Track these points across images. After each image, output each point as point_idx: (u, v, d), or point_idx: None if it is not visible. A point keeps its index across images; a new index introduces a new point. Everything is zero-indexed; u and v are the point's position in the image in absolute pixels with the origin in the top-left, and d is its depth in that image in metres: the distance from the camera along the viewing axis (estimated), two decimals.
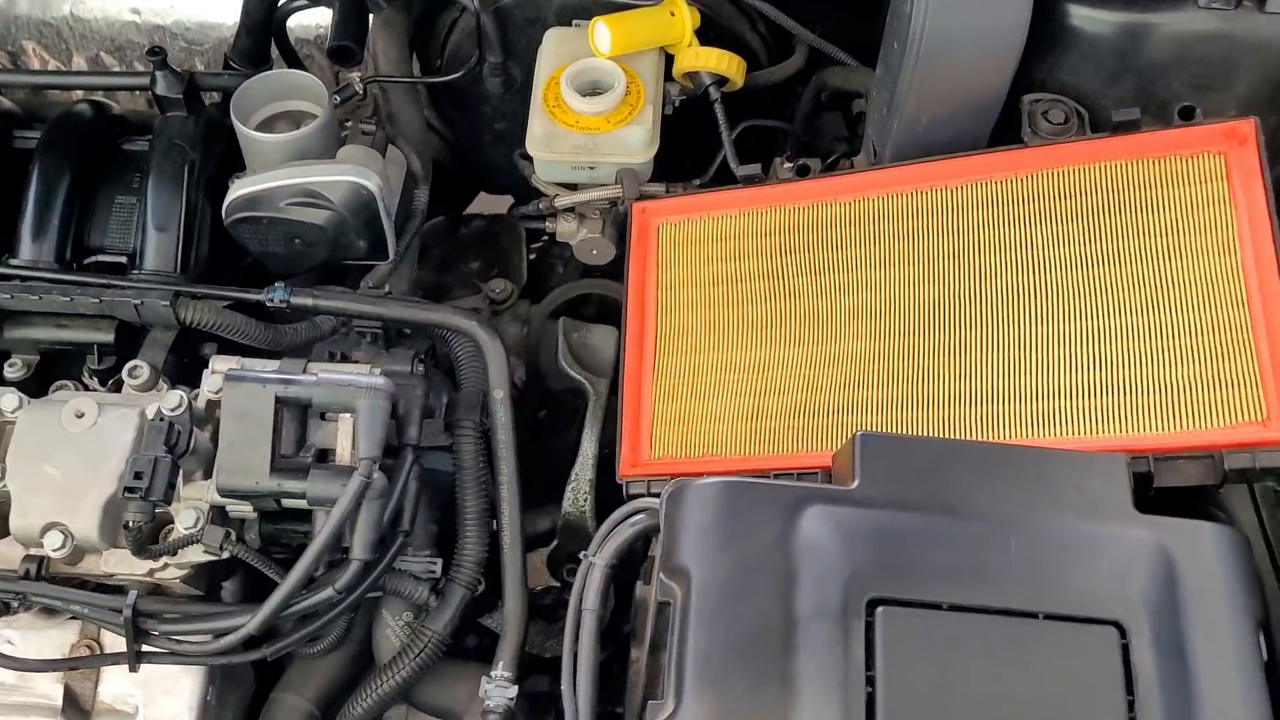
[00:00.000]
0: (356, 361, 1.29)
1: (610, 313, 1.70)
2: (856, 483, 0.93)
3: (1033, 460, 0.95)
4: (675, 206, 1.27)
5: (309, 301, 1.19)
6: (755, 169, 1.25)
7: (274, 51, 1.53)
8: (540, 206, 1.39)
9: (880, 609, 0.87)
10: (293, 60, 1.54)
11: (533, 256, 1.77)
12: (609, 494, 1.37)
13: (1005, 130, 1.21)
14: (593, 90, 1.35)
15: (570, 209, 1.38)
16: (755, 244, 1.23)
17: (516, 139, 1.54)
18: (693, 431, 1.17)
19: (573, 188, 1.39)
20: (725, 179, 1.45)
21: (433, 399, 1.28)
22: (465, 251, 1.99)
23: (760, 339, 1.19)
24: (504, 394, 1.18)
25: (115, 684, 1.11)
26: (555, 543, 1.36)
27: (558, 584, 1.34)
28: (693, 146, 1.50)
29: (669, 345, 1.22)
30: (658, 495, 1.12)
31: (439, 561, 1.17)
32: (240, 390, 1.00)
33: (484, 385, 1.21)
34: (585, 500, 1.35)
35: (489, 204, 1.97)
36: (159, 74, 1.30)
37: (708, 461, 1.15)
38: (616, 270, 1.55)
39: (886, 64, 1.22)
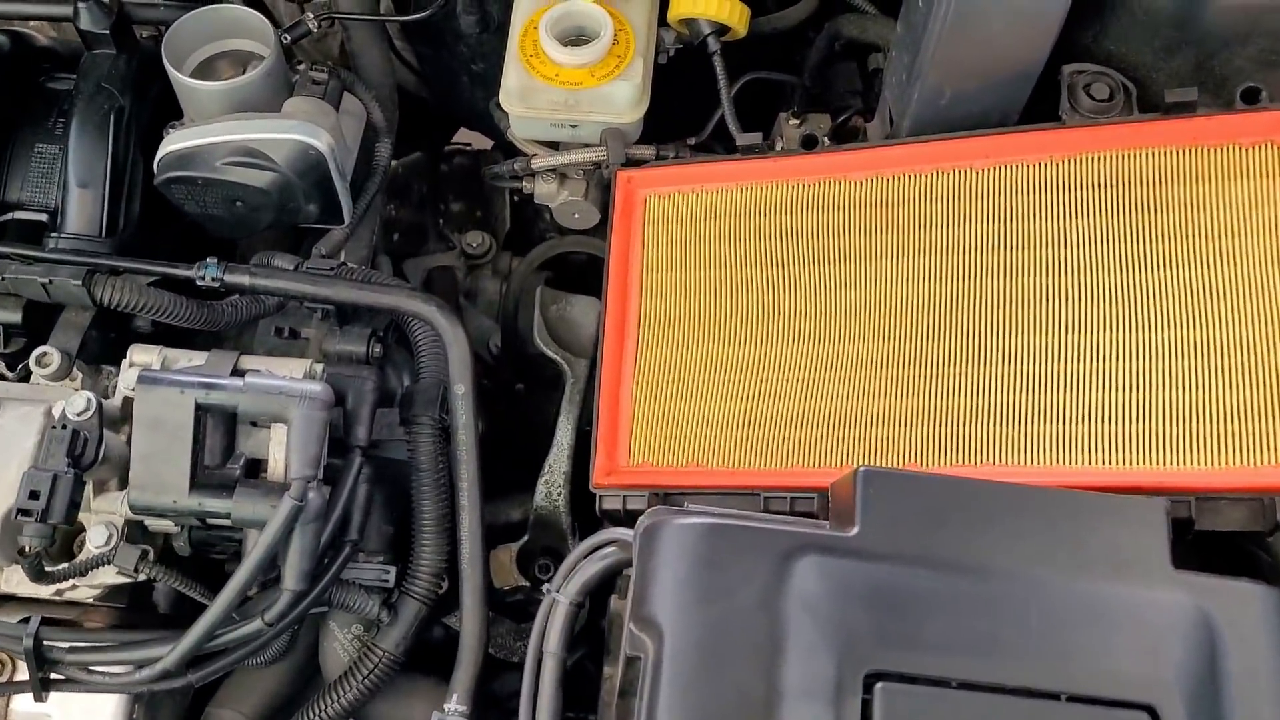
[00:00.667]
0: (305, 339, 1.17)
1: (598, 275, 1.57)
2: (857, 529, 0.82)
3: (1059, 506, 0.82)
4: (665, 177, 1.13)
5: (245, 280, 1.05)
6: (756, 138, 1.10)
7: None
8: (516, 167, 1.25)
9: (879, 685, 0.76)
10: None
11: (516, 199, 1.63)
12: (585, 486, 1.25)
13: (1039, 103, 1.06)
14: (576, 38, 1.19)
15: (550, 170, 1.24)
16: (753, 223, 1.09)
17: (496, 83, 1.39)
18: (677, 436, 1.05)
19: (553, 146, 1.25)
20: (723, 137, 1.30)
21: (393, 381, 1.16)
22: (445, 191, 1.86)
23: (756, 334, 1.06)
24: (466, 389, 1.05)
25: (29, 702, 1.00)
26: (526, 538, 1.24)
27: (527, 583, 1.23)
28: (686, 100, 1.35)
29: (654, 336, 1.09)
30: (632, 515, 1.01)
31: (392, 570, 1.06)
32: (154, 396, 0.88)
33: (444, 376, 1.08)
34: (559, 494, 1.23)
35: (475, 136, 1.82)
36: (81, 5, 1.15)
37: (692, 472, 1.02)
38: (603, 231, 1.42)
39: (909, 22, 1.07)
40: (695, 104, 1.37)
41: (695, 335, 1.08)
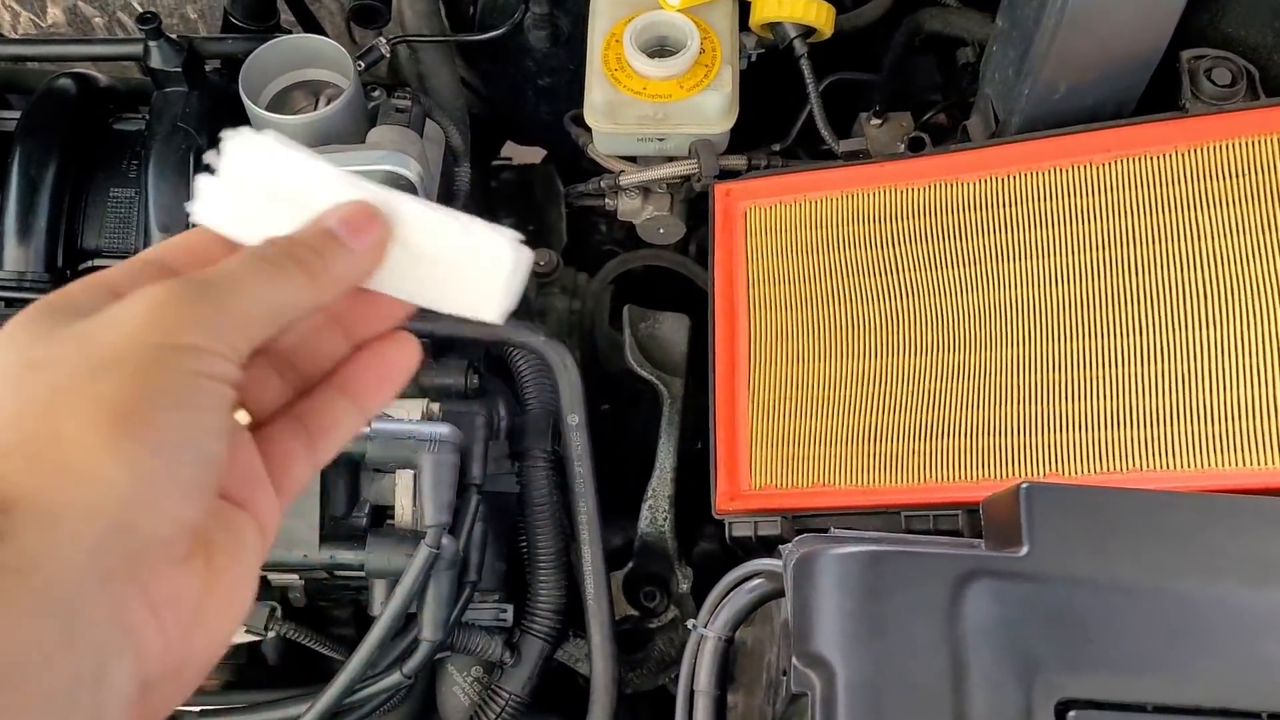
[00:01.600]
0: None
1: (672, 287, 1.54)
2: (1026, 549, 0.78)
3: (1254, 514, 0.79)
4: (764, 188, 1.10)
5: None
6: (860, 144, 1.07)
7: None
8: (603, 184, 1.21)
9: (1073, 714, 0.73)
10: (304, 17, 1.34)
11: (566, 209, 1.60)
12: (690, 508, 1.22)
13: (1153, 92, 1.03)
14: (660, 49, 1.16)
15: (637, 186, 1.20)
16: (862, 231, 1.05)
17: (563, 96, 1.36)
18: (800, 455, 1.01)
19: (632, 159, 1.21)
20: (807, 141, 1.27)
21: (494, 414, 1.12)
22: (498, 207, 1.83)
23: (873, 345, 1.02)
24: (580, 419, 1.02)
25: None
26: (631, 564, 1.21)
27: (636, 612, 1.20)
28: (764, 103, 1.31)
29: (766, 352, 1.06)
30: (765, 542, 0.98)
31: (509, 608, 1.02)
32: None
33: (552, 406, 1.05)
34: (665, 519, 1.20)
35: (516, 149, 1.79)
36: (153, 44, 1.11)
37: (821, 493, 0.99)
38: (675, 244, 1.39)
39: (1014, 18, 1.03)
40: (773, 108, 1.34)
41: (809, 350, 1.04)
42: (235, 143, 0.49)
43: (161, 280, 0.42)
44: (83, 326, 0.40)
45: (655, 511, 1.20)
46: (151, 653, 0.38)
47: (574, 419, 1.02)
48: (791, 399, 1.03)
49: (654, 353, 1.27)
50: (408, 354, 0.51)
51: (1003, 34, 1.06)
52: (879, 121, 1.31)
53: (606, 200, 1.23)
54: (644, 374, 1.24)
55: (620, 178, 1.19)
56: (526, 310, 1.51)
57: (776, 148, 1.25)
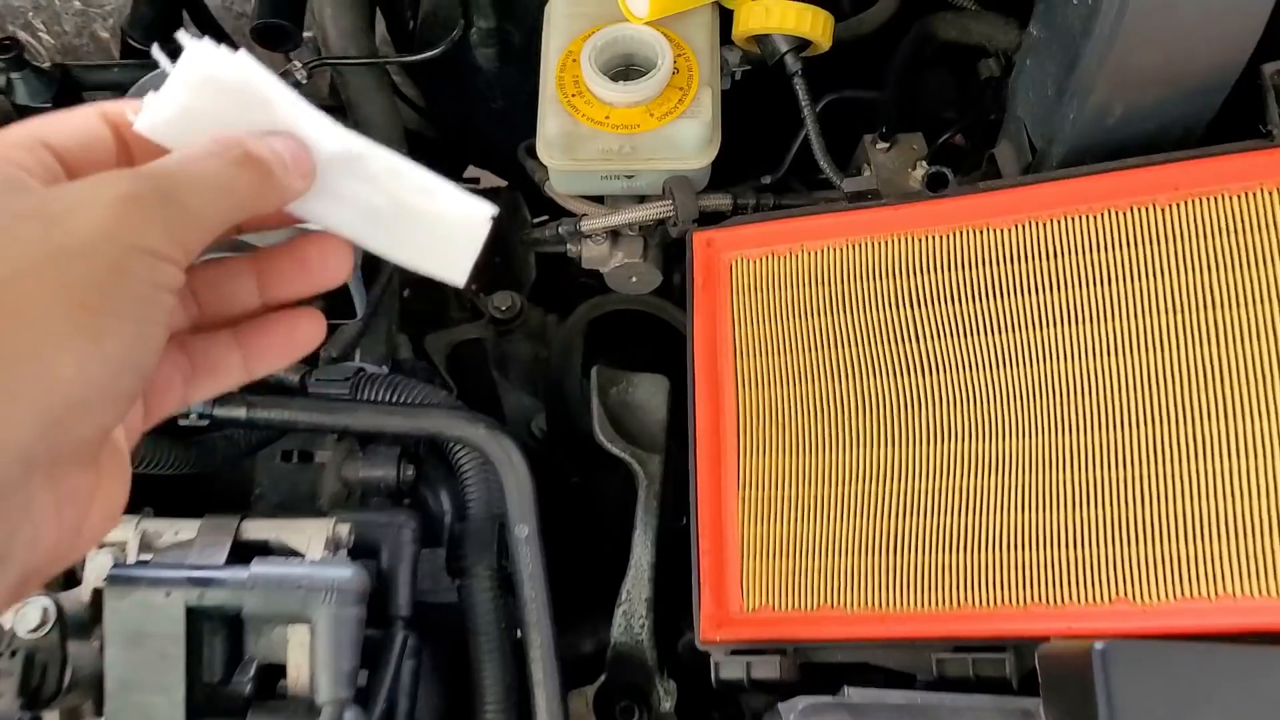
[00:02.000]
0: (321, 463, 0.94)
1: (653, 333, 1.35)
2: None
3: None
4: (753, 236, 0.91)
5: (240, 413, 0.83)
6: (868, 183, 0.88)
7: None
8: (561, 230, 1.02)
9: None
10: (213, 33, 1.15)
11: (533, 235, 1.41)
12: (673, 597, 1.03)
13: (1226, 115, 0.84)
14: (625, 70, 0.97)
15: (604, 230, 1.01)
16: (872, 289, 0.86)
17: (520, 121, 1.17)
18: (801, 568, 0.82)
19: (599, 200, 1.03)
20: (805, 169, 1.08)
21: (431, 506, 0.94)
22: None
23: (891, 430, 0.83)
24: (530, 529, 0.83)
25: None
26: (604, 677, 1.02)
27: None
28: (752, 127, 1.13)
29: (760, 440, 0.87)
30: (759, 686, 0.79)
31: None
32: (131, 603, 0.65)
33: (499, 510, 0.86)
34: (642, 626, 1.01)
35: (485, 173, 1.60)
36: (15, 76, 0.92)
37: (827, 618, 0.80)
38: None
39: (1051, 25, 0.84)
40: (762, 132, 1.15)
41: (813, 436, 0.85)
42: (198, 52, 0.44)
43: (120, 168, 0.42)
44: (45, 205, 0.39)
45: (630, 618, 1.01)
46: (45, 545, 0.39)
47: (523, 530, 0.83)
48: (791, 497, 0.85)
49: (627, 423, 1.08)
50: (315, 330, 0.50)
51: (1038, 44, 0.87)
52: (886, 145, 1.12)
53: (568, 246, 1.04)
54: (615, 451, 1.04)
55: (582, 222, 1.00)
56: (488, 365, 1.32)
57: (768, 180, 1.06)
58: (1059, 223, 0.82)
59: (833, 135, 1.08)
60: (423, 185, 0.48)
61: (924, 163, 1.10)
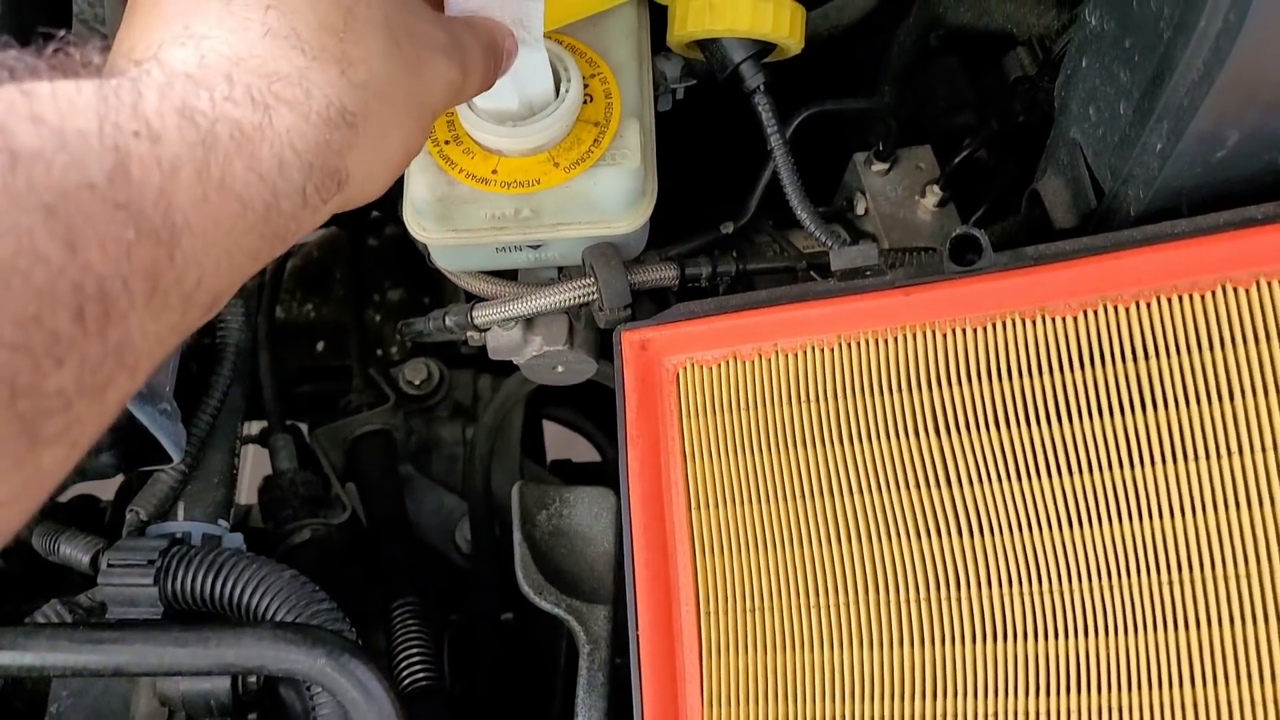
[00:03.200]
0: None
1: (604, 401, 1.09)
2: None
3: None
4: (706, 335, 0.64)
5: None
6: (868, 254, 0.60)
7: None
8: (449, 322, 0.75)
9: None
10: None
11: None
12: None
13: None
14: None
15: (507, 320, 0.74)
16: (877, 410, 0.60)
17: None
18: None
19: (511, 273, 0.76)
20: (776, 206, 0.80)
21: (297, 710, 0.68)
22: (379, 276, 1.38)
23: (900, 590, 0.57)
24: None
25: None
26: None
27: None
28: (702, 149, 0.87)
29: (721, 601, 0.61)
30: None
31: None
32: None
33: None
34: None
35: None
36: None
37: None
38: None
39: (1122, 13, 0.57)
40: (716, 156, 0.88)
41: (792, 596, 0.59)
42: None
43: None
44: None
45: None
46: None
47: None
48: (766, 677, 0.59)
49: (562, 560, 0.82)
50: None
51: (1101, 40, 0.60)
52: (884, 166, 0.86)
53: (469, 336, 0.77)
54: (545, 606, 0.78)
55: (474, 313, 0.73)
56: (395, 467, 1.06)
57: (729, 228, 0.79)
58: (1153, 306, 0.56)
59: (812, 154, 0.81)
60: None
61: (936, 187, 0.84)
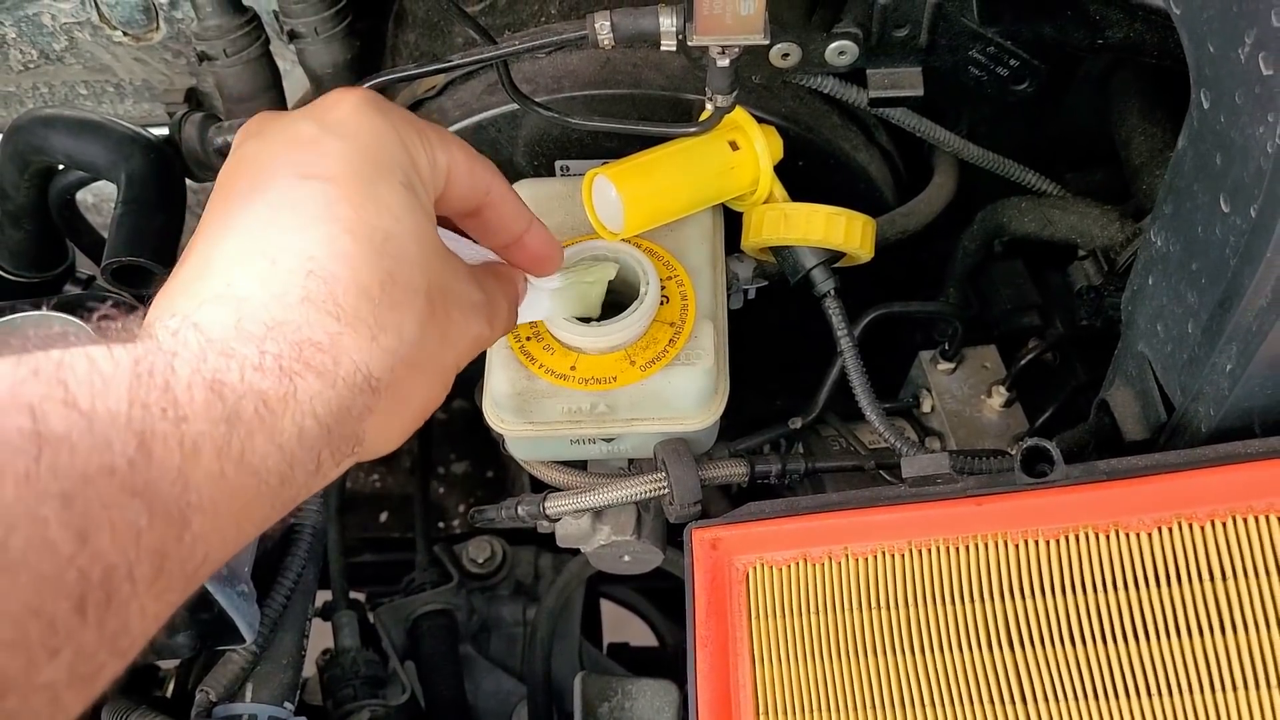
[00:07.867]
0: None
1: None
2: None
3: None
4: (776, 536, 0.65)
5: None
6: (940, 463, 0.61)
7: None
8: (521, 511, 0.77)
9: None
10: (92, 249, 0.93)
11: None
12: None
13: None
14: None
15: (577, 511, 0.76)
16: (949, 618, 0.59)
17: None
18: None
19: (580, 464, 0.78)
20: (843, 398, 0.82)
21: None
22: (445, 448, 1.41)
23: None
24: None
25: None
26: None
27: None
28: (770, 344, 0.89)
29: None
30: None
31: None
32: None
33: None
34: None
35: None
36: None
37: None
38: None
39: (1186, 237, 0.59)
40: (784, 352, 0.91)
41: None
42: None
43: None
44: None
45: None
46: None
47: None
48: None
49: None
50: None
51: (1166, 260, 0.62)
52: (950, 365, 0.87)
53: (538, 525, 0.78)
54: None
55: (547, 502, 0.74)
56: (455, 649, 1.06)
57: (798, 424, 0.81)
58: (1228, 525, 0.56)
59: (879, 350, 0.83)
60: None
61: (1002, 387, 0.85)
